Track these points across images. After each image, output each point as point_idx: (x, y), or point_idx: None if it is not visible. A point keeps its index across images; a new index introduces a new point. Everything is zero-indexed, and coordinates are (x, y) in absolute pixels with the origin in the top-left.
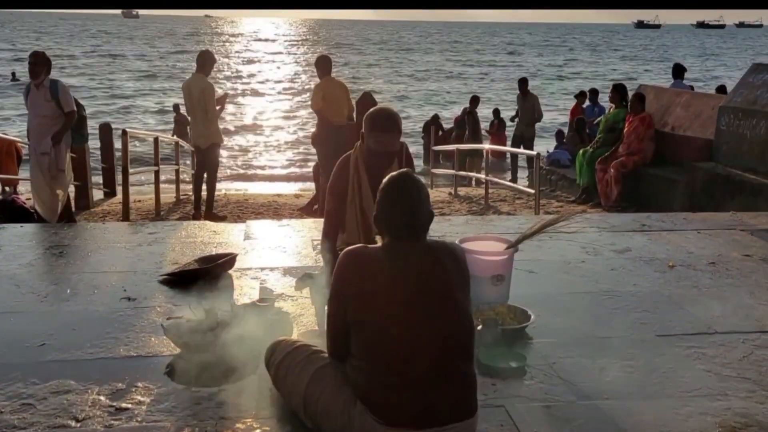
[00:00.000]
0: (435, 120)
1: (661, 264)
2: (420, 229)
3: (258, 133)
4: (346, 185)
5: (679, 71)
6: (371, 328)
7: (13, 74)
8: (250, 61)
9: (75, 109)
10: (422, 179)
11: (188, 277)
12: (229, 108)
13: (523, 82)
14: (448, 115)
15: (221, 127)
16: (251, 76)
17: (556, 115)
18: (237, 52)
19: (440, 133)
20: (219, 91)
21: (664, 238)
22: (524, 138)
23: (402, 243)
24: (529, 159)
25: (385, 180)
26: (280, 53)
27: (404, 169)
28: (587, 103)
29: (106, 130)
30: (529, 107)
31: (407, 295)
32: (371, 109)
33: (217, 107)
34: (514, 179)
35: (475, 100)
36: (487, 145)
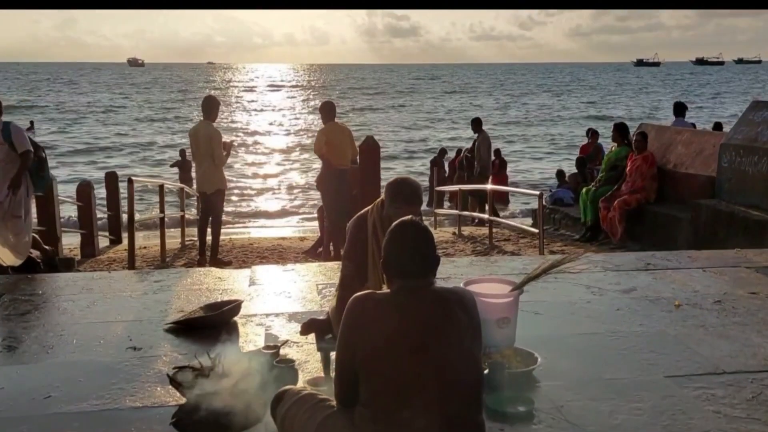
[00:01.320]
0: (441, 155)
1: (667, 303)
2: (428, 275)
3: (263, 175)
4: (363, 250)
5: (680, 109)
6: (379, 377)
7: (32, 123)
8: (254, 106)
9: (30, 149)
10: (426, 219)
11: (194, 325)
12: (234, 152)
13: (476, 122)
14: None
15: (226, 173)
16: (255, 119)
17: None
18: (240, 97)
19: (446, 173)
20: (225, 139)
21: (669, 277)
22: (482, 177)
23: (410, 289)
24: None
25: (392, 225)
26: (285, 98)
27: (410, 216)
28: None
29: (111, 178)
30: (483, 146)
31: (416, 343)
32: (395, 179)
33: (223, 154)
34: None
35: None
36: (489, 186)
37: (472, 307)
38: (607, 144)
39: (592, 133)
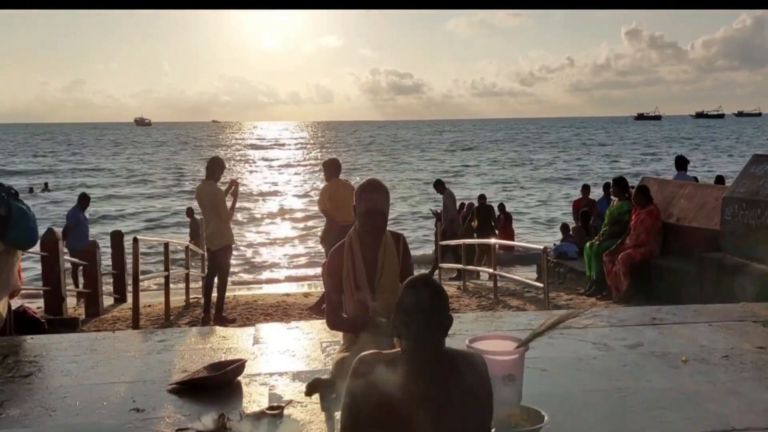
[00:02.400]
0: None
1: (674, 359)
2: (438, 336)
3: (267, 231)
4: (340, 265)
5: (681, 163)
6: None
7: (46, 184)
8: (257, 164)
9: None
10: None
11: (197, 385)
12: (238, 206)
13: (438, 184)
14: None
15: (233, 222)
16: (259, 176)
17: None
18: (244, 154)
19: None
20: (226, 182)
21: (675, 332)
22: (447, 235)
23: (420, 351)
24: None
25: (404, 284)
26: (288, 155)
27: (424, 274)
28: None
29: (116, 237)
30: (449, 203)
31: (423, 406)
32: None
33: (229, 199)
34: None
35: (482, 197)
36: (494, 240)
37: (483, 371)
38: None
39: (584, 188)
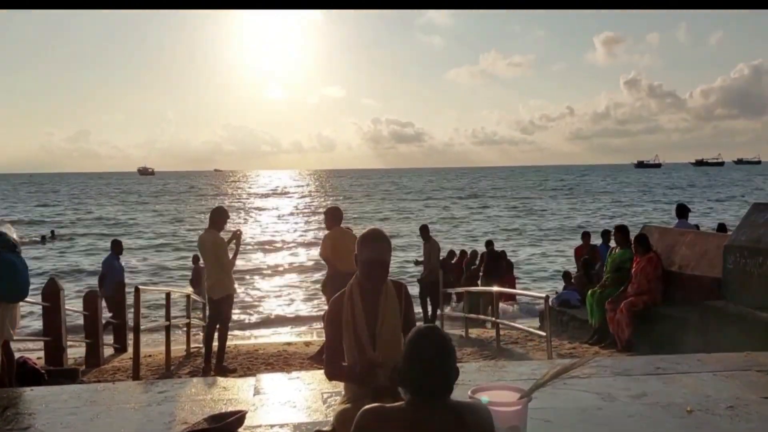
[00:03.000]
0: (450, 258)
1: (679, 409)
2: (445, 389)
3: (268, 280)
4: (341, 314)
5: (682, 211)
6: None
7: (53, 232)
8: (259, 212)
9: None
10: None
11: None
12: (239, 255)
13: (423, 229)
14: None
15: (235, 273)
16: (260, 224)
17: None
18: (246, 203)
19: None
20: (229, 232)
21: (679, 382)
22: (430, 283)
23: (426, 403)
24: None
25: (411, 333)
26: (290, 204)
27: (431, 324)
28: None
29: (119, 288)
30: (432, 253)
31: None
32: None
33: (231, 246)
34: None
35: (489, 243)
36: (495, 288)
37: (488, 423)
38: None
39: (585, 236)
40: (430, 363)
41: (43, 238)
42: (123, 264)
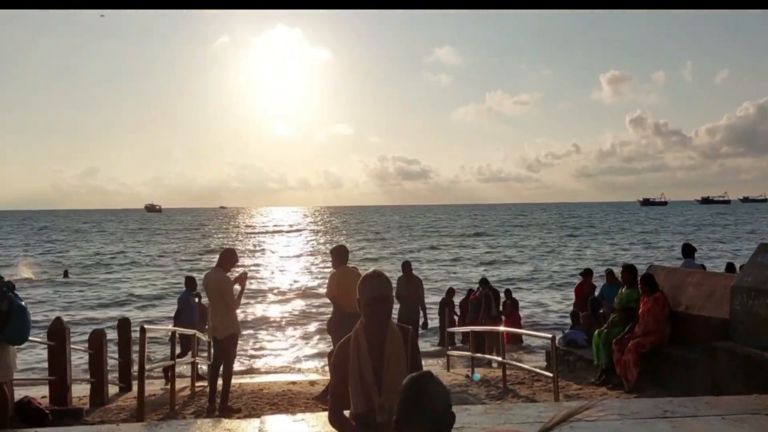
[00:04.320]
0: (450, 295)
1: None
2: None
3: (274, 319)
4: (347, 360)
5: (688, 251)
6: None
7: (66, 272)
8: (263, 250)
9: None
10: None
11: None
12: (245, 293)
13: (405, 266)
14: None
15: (240, 313)
16: (265, 262)
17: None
18: (251, 240)
19: (455, 315)
20: (238, 272)
21: (688, 425)
22: (409, 322)
23: None
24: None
25: (405, 381)
26: (296, 242)
27: (426, 371)
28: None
29: (124, 325)
30: (412, 291)
31: None
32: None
33: (237, 286)
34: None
35: (484, 282)
36: (502, 328)
37: None
38: (599, 281)
39: (586, 273)
40: (424, 408)
41: (65, 273)
42: (196, 300)
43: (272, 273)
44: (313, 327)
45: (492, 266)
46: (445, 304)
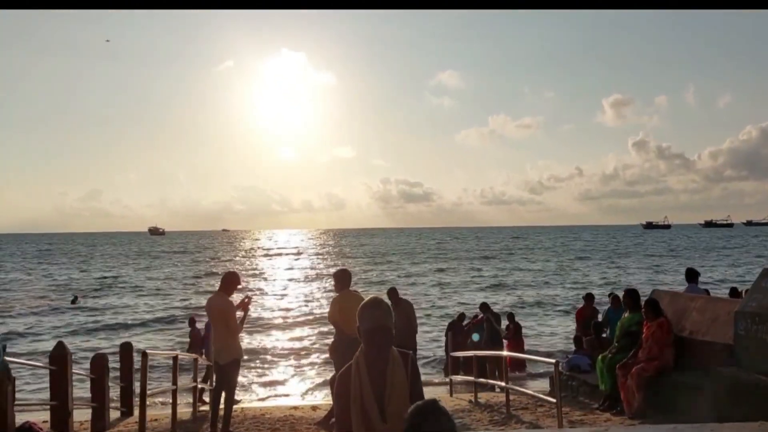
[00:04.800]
0: (460, 320)
1: None
2: None
3: (275, 343)
4: (349, 390)
5: (692, 275)
6: None
7: (77, 298)
8: (264, 273)
9: None
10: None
11: None
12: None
13: (391, 292)
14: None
15: (242, 336)
16: (266, 285)
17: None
18: (253, 264)
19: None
20: (238, 297)
21: None
22: (403, 347)
23: None
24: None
25: (411, 409)
26: (299, 264)
27: (431, 399)
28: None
29: (126, 349)
30: (402, 316)
31: None
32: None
33: (240, 312)
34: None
35: (485, 307)
36: (505, 352)
37: None
38: (599, 304)
39: (588, 297)
40: None
41: (75, 299)
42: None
43: (275, 297)
44: (315, 351)
45: (500, 290)
46: (450, 329)
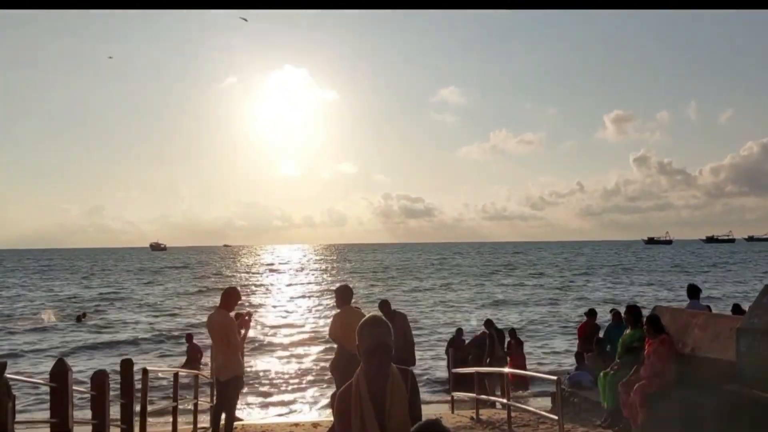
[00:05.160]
0: (459, 335)
1: None
2: None
3: (275, 360)
4: (349, 408)
5: (694, 291)
6: None
7: (85, 314)
8: (265, 288)
9: None
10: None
11: None
12: (253, 324)
13: (383, 305)
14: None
15: (244, 350)
16: (267, 301)
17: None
18: (254, 279)
19: (461, 353)
20: (238, 312)
21: None
22: (399, 361)
23: None
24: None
25: (413, 429)
26: (300, 280)
27: (433, 420)
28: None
29: (126, 366)
30: (397, 329)
31: None
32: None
33: (241, 330)
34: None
35: (489, 323)
36: (507, 369)
37: None
38: (603, 321)
39: (590, 312)
40: None
41: (78, 317)
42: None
43: (275, 312)
44: (316, 368)
45: (504, 306)
46: (451, 345)
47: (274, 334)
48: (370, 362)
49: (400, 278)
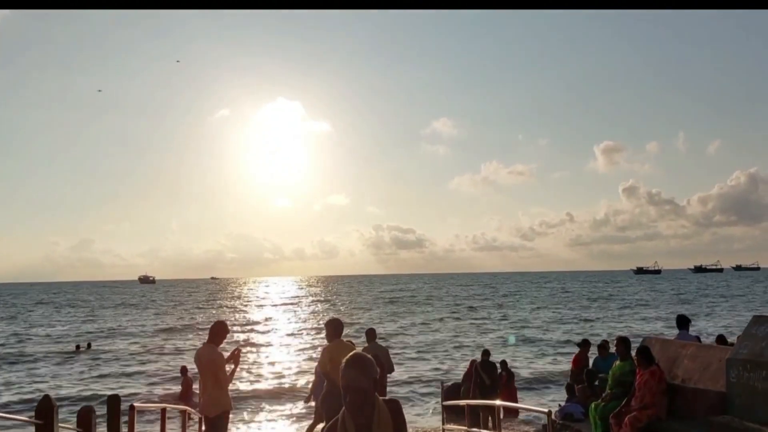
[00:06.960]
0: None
1: None
2: None
3: (265, 392)
4: None
5: (683, 322)
6: None
7: (89, 345)
8: (254, 323)
9: None
10: None
11: None
12: (243, 359)
13: (369, 333)
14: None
15: (231, 387)
16: (255, 336)
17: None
18: (241, 313)
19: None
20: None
21: None
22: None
23: None
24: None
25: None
26: (290, 314)
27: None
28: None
29: (113, 401)
30: (383, 357)
31: None
32: None
33: (230, 365)
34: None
35: (486, 353)
36: (498, 402)
37: None
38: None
39: (584, 343)
40: None
41: (77, 348)
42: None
43: (264, 346)
44: (306, 401)
45: (500, 337)
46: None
47: (262, 369)
48: (344, 401)
49: (395, 312)
